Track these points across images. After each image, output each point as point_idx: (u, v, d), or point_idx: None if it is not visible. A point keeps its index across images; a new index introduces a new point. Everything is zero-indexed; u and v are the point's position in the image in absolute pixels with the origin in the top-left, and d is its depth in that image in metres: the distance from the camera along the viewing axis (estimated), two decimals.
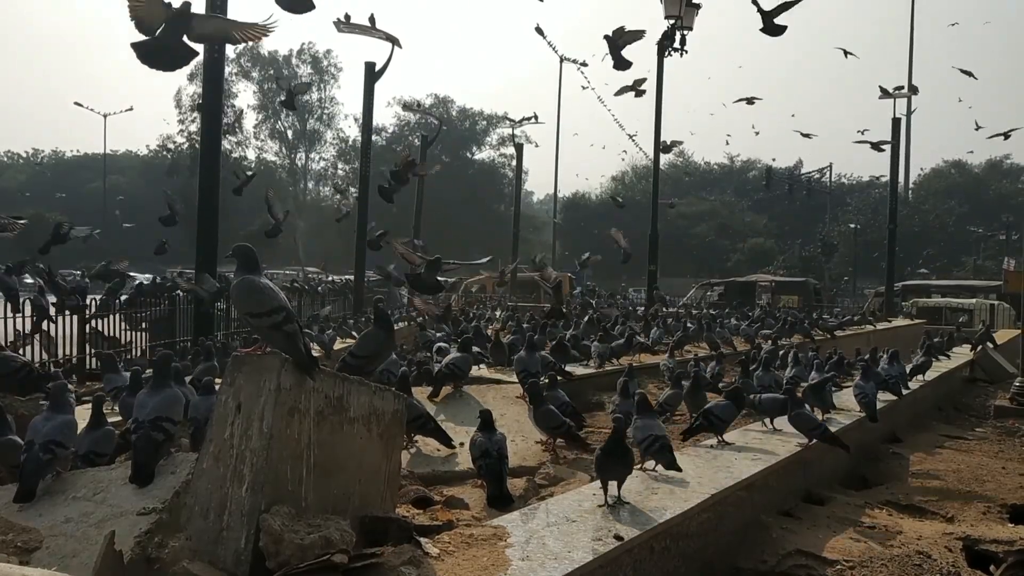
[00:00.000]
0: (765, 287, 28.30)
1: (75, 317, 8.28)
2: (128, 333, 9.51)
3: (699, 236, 58.47)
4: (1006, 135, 19.42)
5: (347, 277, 20.42)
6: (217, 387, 3.07)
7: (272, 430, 2.50)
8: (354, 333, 10.09)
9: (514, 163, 40.98)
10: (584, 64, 34.56)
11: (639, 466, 3.77)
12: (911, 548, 3.64)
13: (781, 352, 7.96)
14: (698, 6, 16.24)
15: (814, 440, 4.52)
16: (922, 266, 44.27)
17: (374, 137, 19.07)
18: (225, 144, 42.71)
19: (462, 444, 4.56)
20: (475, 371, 6.51)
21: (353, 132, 60.83)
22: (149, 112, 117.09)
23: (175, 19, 4.37)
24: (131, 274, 10.84)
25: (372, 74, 15.01)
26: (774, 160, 53.22)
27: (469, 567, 2.58)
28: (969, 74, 19.80)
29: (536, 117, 34.98)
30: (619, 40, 7.49)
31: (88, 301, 8.83)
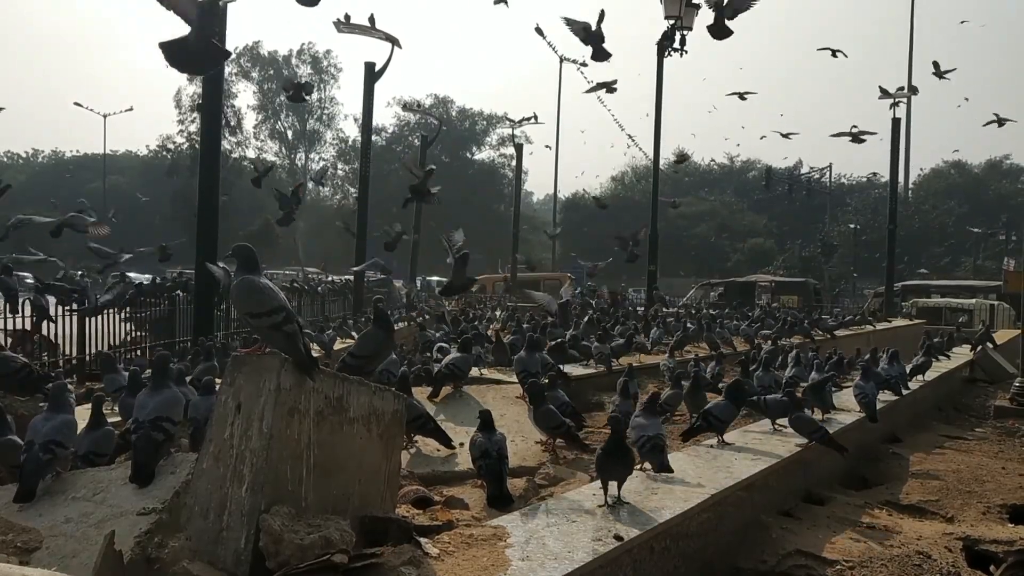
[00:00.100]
0: (765, 287, 28.30)
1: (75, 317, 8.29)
2: (130, 332, 9.53)
3: (699, 236, 58.48)
4: (1000, 122, 19.23)
5: (347, 277, 20.42)
6: (217, 387, 3.08)
7: (272, 430, 2.50)
8: (354, 333, 10.09)
9: (514, 163, 41.03)
10: (584, 64, 34.50)
11: (639, 466, 3.77)
12: (911, 548, 3.64)
13: (781, 353, 7.96)
14: (698, 6, 16.22)
15: (813, 442, 4.52)
16: (922, 266, 44.29)
17: (374, 137, 19.09)
18: (225, 144, 42.78)
19: (462, 444, 4.56)
20: (475, 371, 6.51)
21: (353, 132, 60.96)
22: (149, 112, 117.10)
23: (204, 15, 3.99)
24: (130, 274, 10.83)
25: (372, 74, 15.02)
26: (789, 160, 53.14)
27: (469, 567, 2.58)
28: (942, 76, 19.51)
29: (536, 117, 34.97)
30: (599, 31, 7.30)
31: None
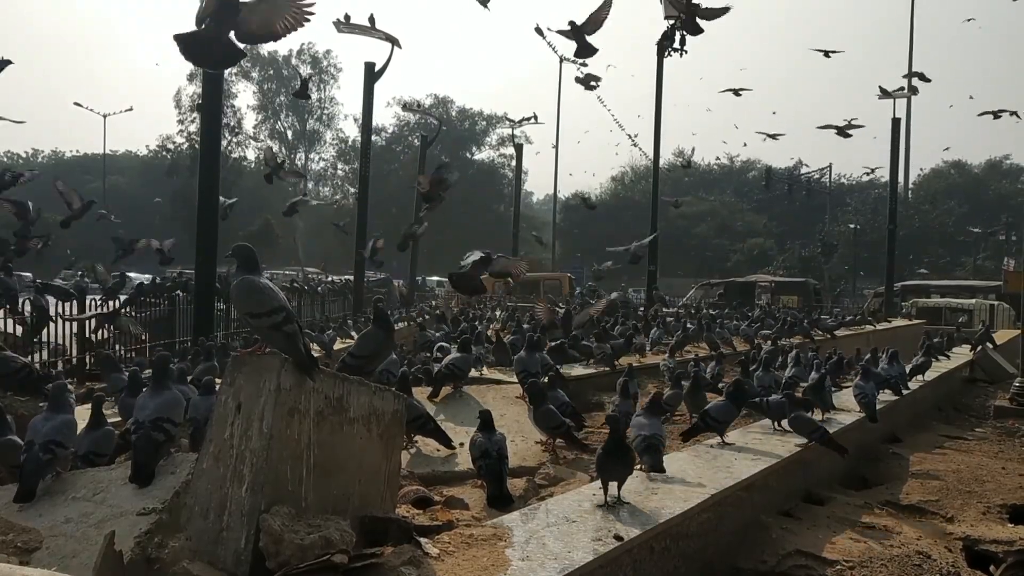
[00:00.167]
0: (765, 287, 28.31)
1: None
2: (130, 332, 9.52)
3: (699, 236, 58.50)
4: (996, 115, 19.03)
5: (347, 277, 20.44)
6: (217, 387, 3.08)
7: (272, 430, 2.50)
8: (353, 333, 10.10)
9: (514, 163, 41.04)
10: (584, 64, 34.54)
11: (638, 466, 3.77)
12: (911, 548, 3.64)
13: (781, 353, 7.96)
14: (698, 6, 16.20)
15: (813, 442, 4.53)
16: (922, 266, 44.30)
17: (374, 137, 19.11)
18: (225, 144, 42.79)
19: (462, 444, 4.56)
20: (475, 371, 6.51)
21: (353, 132, 60.97)
22: (149, 112, 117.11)
23: (222, 9, 3.82)
24: (130, 274, 10.84)
25: (372, 74, 15.03)
26: (790, 160, 53.06)
27: (469, 567, 2.58)
28: (924, 78, 19.26)
29: (536, 117, 35.01)
30: (583, 26, 7.13)
31: (88, 302, 8.85)
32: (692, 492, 3.51)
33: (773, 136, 19.12)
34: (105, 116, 53.52)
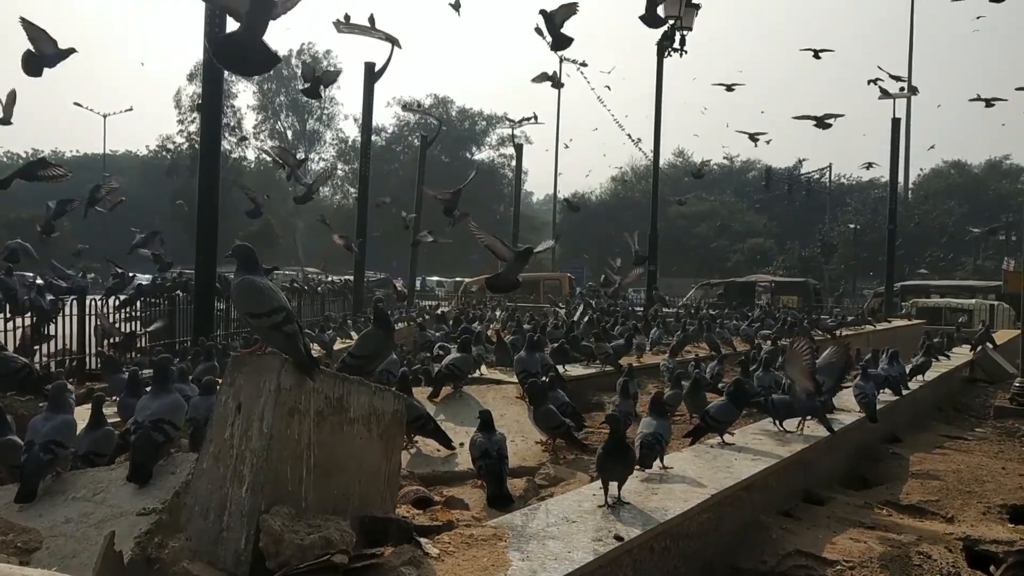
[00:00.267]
0: (765, 287, 28.32)
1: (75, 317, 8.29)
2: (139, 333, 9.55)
3: (699, 236, 58.50)
4: (988, 103, 18.79)
5: (347, 277, 20.44)
6: (217, 387, 3.08)
7: (272, 430, 2.50)
8: (353, 333, 10.10)
9: (514, 163, 41.04)
10: (584, 64, 34.57)
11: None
12: (911, 548, 3.64)
13: (781, 353, 7.95)
14: (698, 6, 16.19)
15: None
16: (922, 266, 44.27)
17: (374, 137, 19.11)
18: (224, 144, 42.81)
19: (462, 444, 4.56)
20: (475, 371, 6.51)
21: (353, 132, 60.95)
22: (149, 112, 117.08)
23: (256, 11, 3.61)
24: (131, 274, 10.85)
25: (372, 74, 15.03)
26: (796, 159, 52.99)
27: (469, 567, 2.58)
28: (901, 82, 19.01)
29: (536, 117, 34.99)
30: (553, 14, 6.97)
31: (88, 301, 8.85)
32: (692, 492, 3.51)
33: (754, 137, 18.90)
34: (105, 116, 53.53)
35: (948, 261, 47.44)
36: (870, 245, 43.55)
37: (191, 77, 49.58)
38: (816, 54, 14.81)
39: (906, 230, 38.51)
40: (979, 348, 10.89)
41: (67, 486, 3.09)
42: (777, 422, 4.98)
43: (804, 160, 53.42)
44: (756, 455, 4.29)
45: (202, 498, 2.58)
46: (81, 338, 8.61)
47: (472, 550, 2.73)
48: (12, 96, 7.92)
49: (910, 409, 7.13)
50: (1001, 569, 3.60)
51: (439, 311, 14.83)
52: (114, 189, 10.29)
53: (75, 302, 8.56)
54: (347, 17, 11.98)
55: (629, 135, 53.46)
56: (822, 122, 14.02)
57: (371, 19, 11.95)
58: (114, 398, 4.74)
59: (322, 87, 8.67)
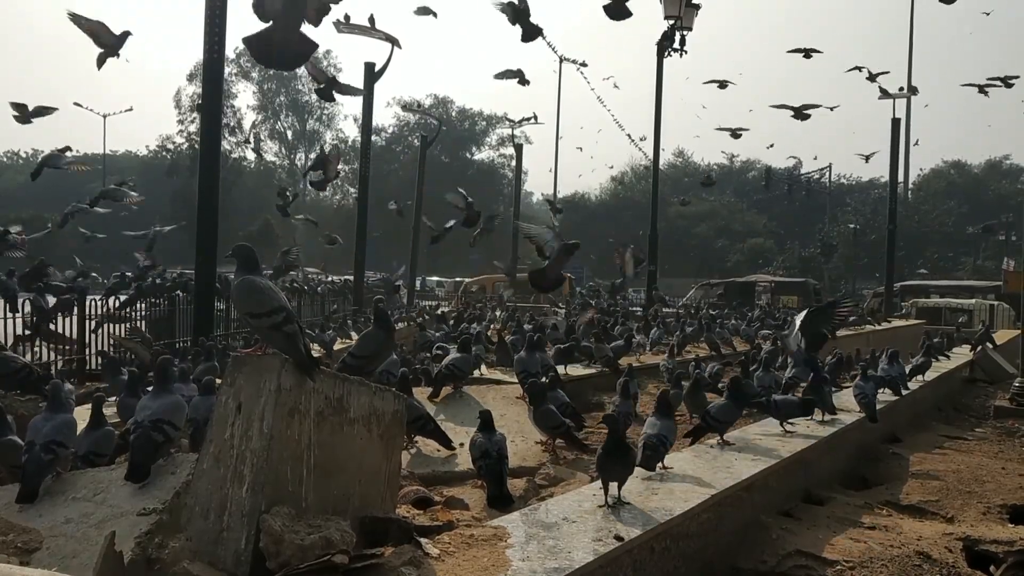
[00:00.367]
0: (765, 287, 28.30)
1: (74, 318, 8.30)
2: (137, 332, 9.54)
3: (699, 236, 58.49)
4: (982, 89, 18.52)
5: (347, 277, 20.44)
6: (217, 387, 3.08)
7: (272, 431, 2.50)
8: (353, 333, 10.10)
9: (513, 163, 41.03)
10: (584, 64, 34.54)
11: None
12: (911, 548, 3.64)
13: (781, 353, 7.96)
14: (698, 6, 16.21)
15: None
16: (921, 267, 44.27)
17: (373, 137, 19.09)
18: (225, 144, 42.83)
19: (462, 444, 4.56)
20: (475, 371, 6.51)
21: (352, 132, 60.96)
22: (149, 112, 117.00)
23: (291, 4, 3.51)
24: (130, 274, 10.84)
25: (372, 74, 15.01)
26: (799, 161, 52.82)
27: (469, 567, 2.58)
28: (883, 76, 18.70)
29: (536, 117, 34.97)
30: (524, 6, 6.89)
31: (88, 301, 8.85)
32: (692, 492, 3.51)
33: (735, 133, 18.70)
34: (105, 116, 53.51)
35: (948, 261, 47.44)
36: (870, 245, 43.55)
37: (191, 77, 49.63)
38: (806, 54, 14.61)
39: (906, 230, 38.47)
40: (979, 348, 10.89)
41: (67, 486, 3.09)
42: (781, 422, 4.98)
43: (794, 158, 53.25)
44: (756, 455, 4.29)
45: (202, 498, 2.58)
46: (81, 338, 8.61)
47: (472, 550, 2.73)
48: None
49: (910, 409, 7.13)
50: (1001, 569, 3.60)
51: (439, 311, 14.83)
52: (132, 194, 10.30)
53: (75, 302, 8.55)
54: (347, 17, 11.95)
55: (629, 135, 53.37)
56: (800, 113, 13.82)
57: (371, 19, 11.93)
58: (114, 398, 4.74)
59: (335, 92, 8.56)
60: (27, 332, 7.71)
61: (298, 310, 13.06)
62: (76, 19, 6.55)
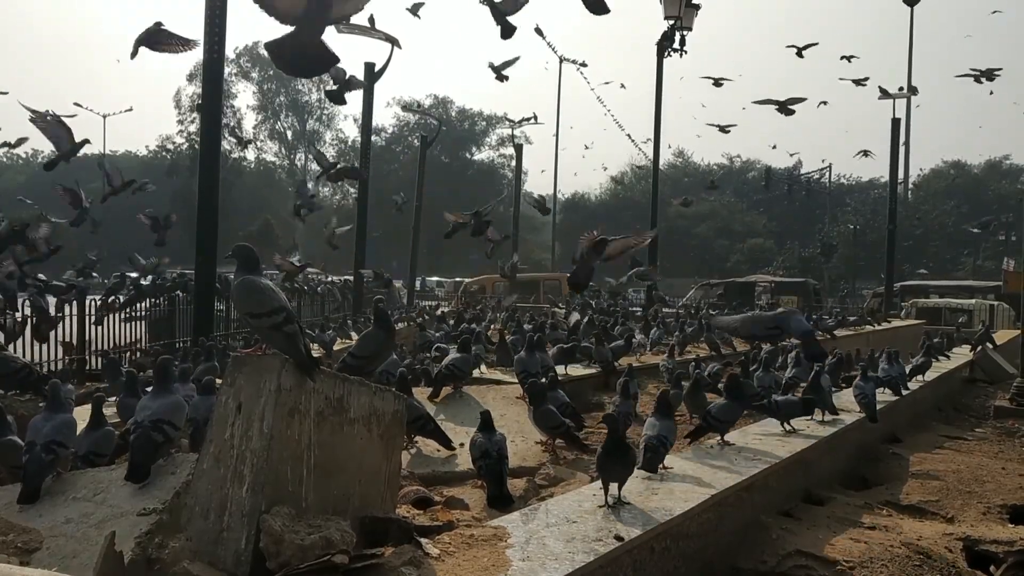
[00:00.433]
0: (765, 287, 28.28)
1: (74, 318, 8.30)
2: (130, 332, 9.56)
3: (699, 236, 58.50)
4: (977, 78, 18.35)
5: (346, 278, 20.43)
6: (217, 387, 3.08)
7: (272, 431, 2.50)
8: (353, 333, 10.10)
9: (513, 163, 41.03)
10: (584, 64, 34.62)
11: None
12: (911, 548, 3.65)
13: (781, 353, 7.96)
14: (697, 7, 16.22)
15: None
16: (922, 267, 44.28)
17: (373, 137, 19.09)
18: (224, 144, 42.78)
19: (462, 445, 4.56)
20: (475, 371, 6.51)
21: (352, 132, 60.98)
22: (149, 112, 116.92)
23: (314, 9, 3.39)
24: (130, 274, 10.85)
25: (371, 74, 15.01)
26: (798, 158, 52.73)
27: (470, 567, 2.58)
28: (862, 85, 18.26)
29: (536, 117, 35.01)
30: (502, 5, 6.85)
31: (88, 302, 8.86)
32: (692, 492, 3.51)
33: (724, 129, 18.64)
34: (105, 116, 53.45)
35: (948, 262, 47.44)
36: (870, 245, 43.56)
37: (191, 77, 49.63)
38: (799, 52, 14.48)
39: (906, 230, 38.50)
40: (979, 348, 10.89)
41: (67, 486, 3.09)
42: (782, 422, 4.98)
43: (794, 154, 53.27)
44: (756, 455, 4.29)
45: (202, 498, 2.58)
46: (81, 338, 8.61)
47: (472, 550, 2.73)
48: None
49: (910, 409, 7.13)
50: (1001, 569, 3.61)
51: (439, 311, 14.83)
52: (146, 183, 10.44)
53: (75, 302, 8.56)
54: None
55: (629, 136, 53.43)
56: (784, 107, 13.63)
57: (371, 19, 11.92)
58: (114, 398, 4.74)
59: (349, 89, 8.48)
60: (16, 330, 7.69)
61: (298, 310, 13.05)
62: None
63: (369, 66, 15.12)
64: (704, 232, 59.37)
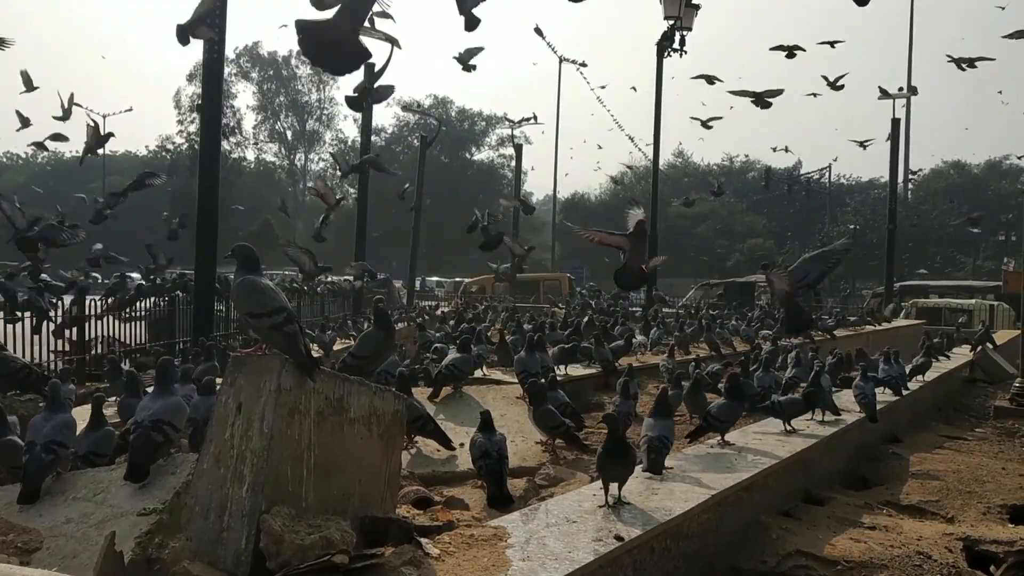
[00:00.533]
0: (765, 288, 28.26)
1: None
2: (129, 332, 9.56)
3: (699, 236, 58.50)
4: (960, 66, 18.10)
5: (346, 277, 20.43)
6: (217, 387, 3.08)
7: (273, 431, 2.50)
8: (353, 333, 10.09)
9: (513, 164, 41.04)
10: (583, 64, 34.59)
11: (640, 466, 3.76)
12: (911, 548, 3.65)
13: (781, 353, 7.96)
14: (697, 7, 16.19)
15: None
16: (921, 267, 44.26)
17: (373, 138, 19.10)
18: (224, 145, 42.79)
19: (462, 445, 4.56)
20: (477, 371, 6.51)
21: (352, 132, 60.95)
22: (149, 112, 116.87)
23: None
24: (130, 274, 10.85)
25: (372, 74, 14.98)
26: (807, 159, 52.89)
27: (470, 567, 2.58)
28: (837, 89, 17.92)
29: (535, 118, 34.98)
30: None
31: (88, 302, 8.85)
32: (692, 492, 3.51)
33: (706, 124, 18.51)
34: (105, 116, 53.37)
35: (948, 262, 47.43)
36: (870, 245, 43.55)
37: (191, 77, 49.63)
38: (789, 54, 14.36)
39: (906, 230, 38.46)
40: (979, 348, 10.89)
41: (67, 486, 3.09)
42: (785, 422, 4.98)
43: (788, 152, 53.28)
44: (756, 455, 4.29)
45: (202, 498, 2.58)
46: (81, 338, 8.61)
47: (472, 550, 2.73)
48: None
49: (910, 409, 7.13)
50: (1001, 569, 3.61)
51: (439, 311, 14.83)
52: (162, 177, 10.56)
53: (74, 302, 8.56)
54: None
55: (630, 136, 53.40)
56: (761, 99, 13.44)
57: (371, 20, 11.94)
58: (114, 399, 4.74)
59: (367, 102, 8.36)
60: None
61: (298, 310, 13.05)
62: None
63: (369, 66, 15.10)
64: (704, 232, 59.38)
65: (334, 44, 3.35)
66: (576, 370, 7.23)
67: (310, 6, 3.27)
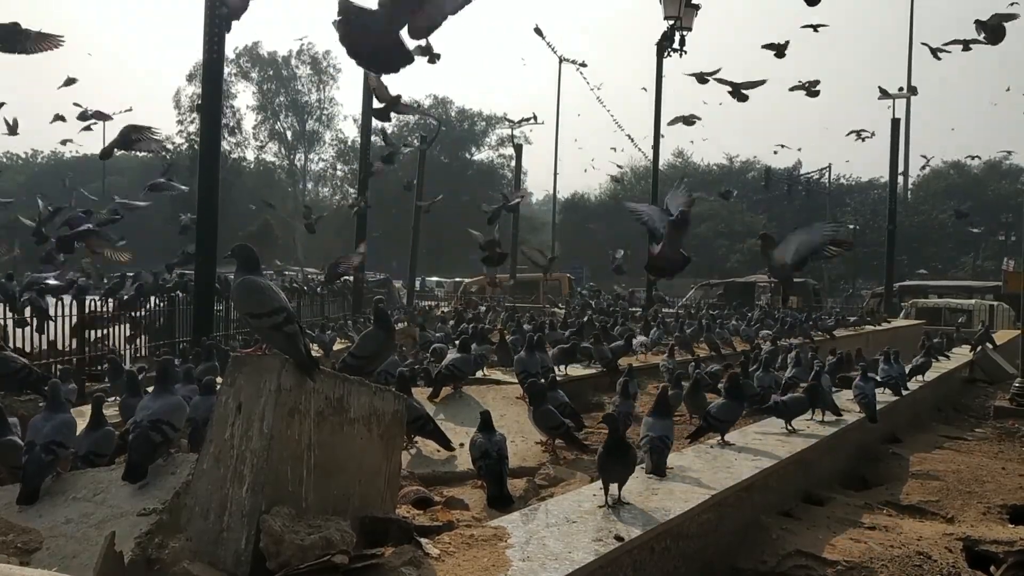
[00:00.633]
0: (765, 288, 28.26)
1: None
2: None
3: (699, 236, 58.47)
4: (935, 54, 17.91)
5: (346, 278, 20.42)
6: (217, 387, 3.08)
7: (272, 431, 2.50)
8: (352, 334, 10.09)
9: (513, 164, 41.03)
10: (583, 64, 34.53)
11: (641, 466, 3.76)
12: (911, 548, 3.65)
13: (781, 353, 7.96)
14: (697, 7, 16.18)
15: None
16: (921, 267, 44.28)
17: (373, 138, 19.09)
18: (224, 145, 42.86)
19: (462, 445, 4.56)
20: (478, 371, 6.51)
21: (352, 133, 60.85)
22: (149, 112, 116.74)
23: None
24: (131, 274, 10.84)
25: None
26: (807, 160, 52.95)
27: (470, 567, 2.58)
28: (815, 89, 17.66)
29: (535, 118, 34.93)
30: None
31: (87, 301, 8.85)
32: (692, 492, 3.51)
33: (689, 121, 18.42)
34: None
35: (948, 262, 47.43)
36: (870, 245, 43.57)
37: (191, 77, 49.63)
38: (779, 53, 14.22)
39: (905, 230, 38.51)
40: (979, 348, 10.89)
41: (67, 486, 3.09)
42: (787, 422, 4.98)
43: (779, 150, 53.20)
44: (756, 455, 4.29)
45: (202, 498, 2.58)
46: (81, 338, 8.61)
47: (472, 550, 2.73)
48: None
49: (910, 409, 7.13)
50: (1001, 569, 3.61)
51: (439, 311, 14.83)
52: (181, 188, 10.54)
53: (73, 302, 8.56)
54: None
55: (630, 136, 53.30)
56: (738, 92, 13.32)
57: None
58: (115, 398, 4.74)
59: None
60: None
61: (298, 310, 13.04)
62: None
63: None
64: (704, 232, 59.36)
65: (377, 43, 3.30)
66: (576, 370, 7.23)
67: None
